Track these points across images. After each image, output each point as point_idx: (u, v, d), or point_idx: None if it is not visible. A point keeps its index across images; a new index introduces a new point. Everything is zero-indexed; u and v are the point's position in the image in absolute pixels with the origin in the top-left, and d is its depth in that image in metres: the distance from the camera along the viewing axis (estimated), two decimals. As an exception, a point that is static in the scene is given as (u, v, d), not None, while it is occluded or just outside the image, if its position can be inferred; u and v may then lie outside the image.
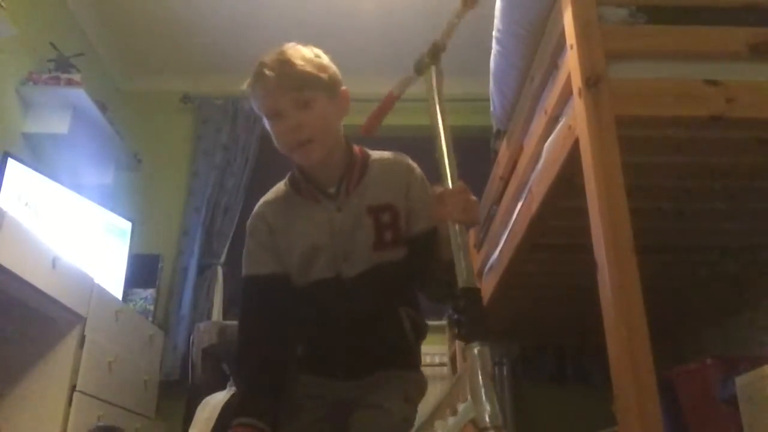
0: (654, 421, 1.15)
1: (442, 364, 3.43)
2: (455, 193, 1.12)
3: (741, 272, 2.43)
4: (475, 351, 0.94)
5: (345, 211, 1.27)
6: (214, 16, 3.61)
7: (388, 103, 1.41)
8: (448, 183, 1.14)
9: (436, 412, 0.96)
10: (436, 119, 1.22)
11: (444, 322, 3.44)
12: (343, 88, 1.29)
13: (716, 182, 1.85)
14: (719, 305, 2.75)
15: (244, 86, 1.27)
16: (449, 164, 1.16)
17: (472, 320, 0.97)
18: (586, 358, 3.30)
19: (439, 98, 1.25)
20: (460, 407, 0.92)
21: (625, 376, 1.20)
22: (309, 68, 1.22)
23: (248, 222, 1.35)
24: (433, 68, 1.28)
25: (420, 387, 1.35)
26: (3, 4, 2.47)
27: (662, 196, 1.93)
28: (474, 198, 1.14)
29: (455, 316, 0.99)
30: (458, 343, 3.00)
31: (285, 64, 1.21)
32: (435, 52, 1.29)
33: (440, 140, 1.19)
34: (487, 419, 0.88)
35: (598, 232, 1.34)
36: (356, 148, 1.33)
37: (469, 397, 0.91)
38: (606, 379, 1.28)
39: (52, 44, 3.10)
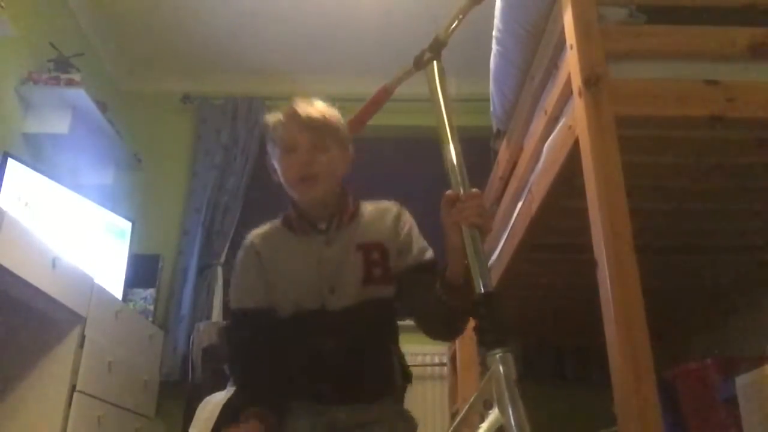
0: (654, 421, 1.15)
1: (442, 364, 3.43)
2: (471, 197, 1.13)
3: (741, 272, 2.43)
4: (498, 358, 0.93)
5: (334, 246, 1.32)
6: (215, 16, 3.61)
7: (380, 99, 1.41)
8: (458, 183, 1.11)
9: (464, 420, 0.95)
10: (441, 117, 1.19)
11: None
12: (351, 150, 1.38)
13: (716, 182, 1.85)
14: (719, 305, 2.75)
15: (268, 119, 1.35)
16: (457, 163, 1.13)
17: (493, 326, 0.95)
18: (586, 358, 3.30)
19: (443, 94, 1.22)
20: (488, 416, 0.91)
21: (625, 376, 1.20)
22: (331, 119, 1.33)
23: (238, 253, 1.40)
24: (434, 63, 1.26)
25: (416, 425, 1.34)
26: (3, 4, 2.47)
27: (662, 196, 1.93)
28: (486, 206, 1.15)
29: (476, 323, 0.97)
30: (458, 344, 3.00)
31: (313, 110, 1.32)
32: (436, 47, 1.26)
33: (446, 138, 1.15)
34: (514, 427, 0.87)
35: (598, 232, 1.34)
36: (350, 195, 1.39)
37: (495, 405, 0.90)
38: (606, 379, 1.28)
39: (52, 44, 3.10)
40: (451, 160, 1.15)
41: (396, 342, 1.38)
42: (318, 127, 1.30)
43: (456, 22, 1.28)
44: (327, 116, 1.32)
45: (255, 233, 1.40)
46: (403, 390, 1.36)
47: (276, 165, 1.33)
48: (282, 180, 1.32)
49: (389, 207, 1.40)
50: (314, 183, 1.29)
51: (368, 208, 1.39)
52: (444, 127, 1.18)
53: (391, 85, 1.40)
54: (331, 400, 1.28)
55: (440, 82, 1.24)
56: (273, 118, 1.34)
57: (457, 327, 1.27)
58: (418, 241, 1.35)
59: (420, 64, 1.29)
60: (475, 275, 1.02)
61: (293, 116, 1.31)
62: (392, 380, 1.33)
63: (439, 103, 1.22)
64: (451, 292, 1.16)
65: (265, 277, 1.33)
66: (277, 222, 1.40)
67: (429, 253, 1.35)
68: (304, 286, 1.30)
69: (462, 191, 1.10)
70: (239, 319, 1.35)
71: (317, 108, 1.32)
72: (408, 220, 1.38)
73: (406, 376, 1.37)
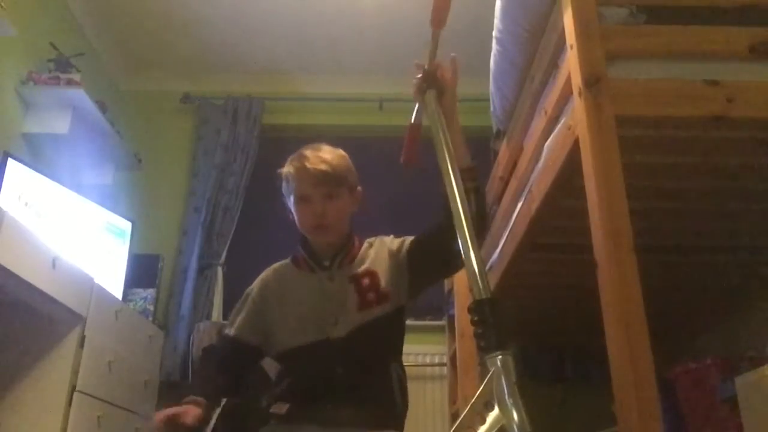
0: (654, 421, 1.15)
1: (441, 364, 3.43)
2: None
3: (741, 272, 2.43)
4: (498, 361, 0.94)
5: (336, 281, 1.44)
6: (214, 16, 3.61)
7: (413, 133, 1.48)
8: (457, 204, 1.11)
9: (465, 421, 0.96)
10: (440, 142, 1.21)
11: (444, 322, 3.44)
12: (359, 188, 1.51)
13: (716, 182, 1.85)
14: (719, 305, 2.74)
15: (283, 170, 1.46)
16: (456, 187, 1.13)
17: (490, 331, 0.96)
18: (586, 358, 3.30)
19: (440, 121, 1.25)
20: (489, 416, 0.92)
21: (625, 376, 1.20)
22: (339, 168, 1.43)
23: (252, 285, 1.52)
24: (431, 91, 1.31)
25: None
26: (3, 4, 2.47)
27: (662, 196, 1.93)
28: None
29: (476, 328, 0.99)
30: (458, 344, 3.00)
31: (323, 162, 1.41)
32: (427, 77, 1.32)
33: (446, 164, 1.16)
34: (515, 428, 0.89)
35: (598, 232, 1.34)
36: (356, 236, 1.52)
37: (496, 406, 0.92)
38: (606, 378, 1.28)
39: (52, 44, 3.10)
40: (450, 182, 1.14)
41: (397, 357, 1.44)
42: (328, 179, 1.40)
43: (432, 50, 1.33)
44: (335, 166, 1.42)
45: (270, 268, 1.53)
46: (403, 416, 1.40)
47: (292, 210, 1.46)
48: (299, 225, 1.46)
49: (376, 240, 1.53)
50: (327, 230, 1.43)
51: (366, 243, 1.53)
52: (443, 151, 1.19)
53: (416, 120, 1.46)
54: (333, 422, 1.31)
55: (437, 108, 1.28)
56: (285, 170, 1.45)
57: (483, 210, 1.35)
58: (401, 240, 1.50)
59: (421, 92, 1.34)
60: (474, 281, 1.03)
61: (304, 170, 1.41)
62: (393, 403, 1.37)
63: (438, 129, 1.24)
64: (464, 175, 1.25)
65: (262, 316, 1.46)
66: (287, 261, 1.54)
67: (411, 237, 1.49)
68: (310, 319, 1.41)
69: (481, 290, 1.04)
70: (226, 342, 1.47)
71: (326, 158, 1.42)
72: (389, 240, 1.52)
73: (404, 396, 1.41)
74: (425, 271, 1.45)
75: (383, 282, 1.43)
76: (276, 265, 1.55)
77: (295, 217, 1.46)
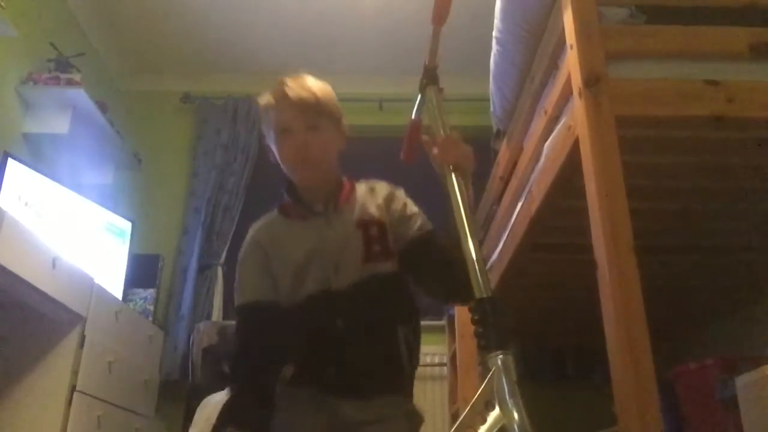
0: (654, 421, 1.15)
1: (441, 364, 3.43)
2: (451, 140, 1.21)
3: (741, 272, 2.43)
4: (499, 360, 0.94)
5: (334, 224, 1.32)
6: (214, 16, 3.61)
7: (414, 130, 1.46)
8: (458, 204, 1.11)
9: (465, 420, 0.96)
10: (440, 137, 1.22)
11: (444, 322, 3.44)
12: (344, 122, 1.38)
13: (716, 182, 1.85)
14: (719, 305, 2.75)
15: (261, 101, 1.34)
16: (456, 184, 1.13)
17: (491, 330, 0.97)
18: (587, 358, 3.30)
19: (441, 117, 1.26)
20: (489, 416, 0.93)
21: (625, 376, 1.20)
22: (323, 99, 1.31)
23: (242, 250, 1.39)
24: (433, 87, 1.31)
25: (420, 421, 1.32)
26: (3, 4, 2.47)
27: (662, 196, 1.93)
28: (468, 147, 1.22)
29: (476, 327, 0.98)
30: (458, 344, 3.00)
31: (305, 89, 1.30)
32: (428, 74, 1.32)
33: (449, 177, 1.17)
34: (516, 428, 0.89)
35: (598, 232, 1.34)
36: (345, 177, 1.40)
37: (497, 406, 0.92)
38: (606, 378, 1.28)
39: (52, 44, 3.10)
40: (449, 179, 1.13)
41: (405, 321, 1.32)
42: (311, 108, 1.29)
43: (433, 47, 1.33)
44: (319, 96, 1.30)
45: (255, 226, 1.40)
46: (411, 379, 1.32)
47: (272, 147, 1.34)
48: (280, 162, 1.33)
49: (381, 186, 1.41)
50: (312, 164, 1.30)
51: (362, 187, 1.40)
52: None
53: (414, 115, 1.45)
54: (336, 389, 1.24)
55: (437, 104, 1.28)
56: (264, 100, 1.33)
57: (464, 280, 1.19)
58: (416, 216, 1.36)
59: (421, 90, 1.34)
60: (475, 280, 1.03)
61: (285, 99, 1.28)
62: (399, 365, 1.28)
63: (438, 125, 1.24)
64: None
65: (269, 270, 1.32)
66: (273, 212, 1.41)
67: (428, 225, 1.36)
68: (310, 269, 1.29)
69: (482, 289, 1.04)
70: (244, 314, 1.33)
71: (308, 88, 1.30)
72: (401, 197, 1.39)
73: (413, 359, 1.31)
74: (413, 267, 1.33)
75: (391, 239, 1.32)
76: (262, 220, 1.41)
77: (276, 155, 1.33)
